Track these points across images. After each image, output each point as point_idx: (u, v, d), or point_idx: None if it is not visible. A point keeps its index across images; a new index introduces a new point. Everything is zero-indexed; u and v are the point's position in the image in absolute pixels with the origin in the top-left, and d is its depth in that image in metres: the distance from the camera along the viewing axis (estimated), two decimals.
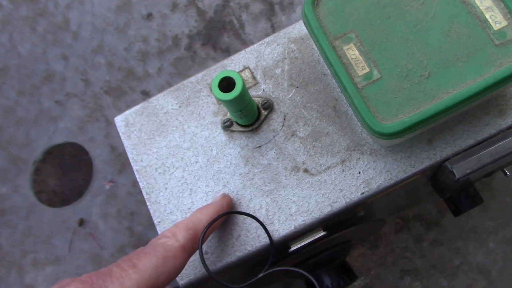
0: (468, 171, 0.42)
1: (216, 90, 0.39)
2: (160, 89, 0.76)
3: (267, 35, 0.76)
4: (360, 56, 0.40)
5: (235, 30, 0.77)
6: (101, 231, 0.72)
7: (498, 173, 0.65)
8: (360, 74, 0.39)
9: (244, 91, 0.40)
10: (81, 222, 0.73)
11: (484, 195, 0.52)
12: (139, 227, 0.71)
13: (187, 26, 0.79)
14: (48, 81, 0.80)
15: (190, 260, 0.43)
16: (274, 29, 0.77)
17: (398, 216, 0.65)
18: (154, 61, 0.78)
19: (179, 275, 0.44)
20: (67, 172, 0.76)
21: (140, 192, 0.72)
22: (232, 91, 0.39)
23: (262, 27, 0.76)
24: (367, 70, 0.39)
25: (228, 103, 0.40)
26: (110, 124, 0.76)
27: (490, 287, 0.61)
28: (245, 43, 0.76)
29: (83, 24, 0.82)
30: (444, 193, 0.48)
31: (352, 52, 0.40)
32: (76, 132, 0.77)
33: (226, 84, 0.40)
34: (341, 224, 0.47)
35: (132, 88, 0.78)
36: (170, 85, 0.76)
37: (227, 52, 0.76)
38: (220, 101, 0.40)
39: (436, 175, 0.47)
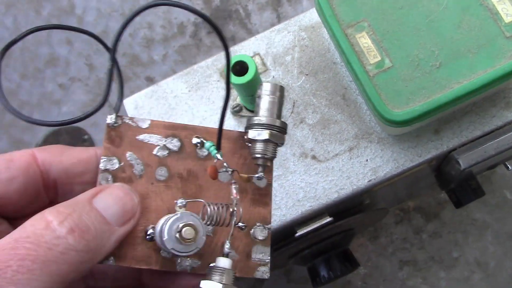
0: (473, 162, 0.43)
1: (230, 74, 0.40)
2: (165, 76, 0.76)
3: (272, 25, 0.76)
4: (372, 45, 0.40)
5: (241, 19, 0.77)
6: None
7: (499, 168, 0.66)
8: (371, 62, 0.40)
9: (257, 76, 0.40)
10: None
11: (484, 189, 0.53)
12: None
13: (193, 14, 0.79)
14: (52, 65, 0.80)
15: None
16: (280, 19, 0.77)
17: (398, 207, 0.66)
18: (159, 48, 0.78)
19: None
20: None
21: None
22: (246, 75, 0.39)
23: (268, 17, 0.76)
24: (379, 58, 0.40)
25: (240, 87, 0.40)
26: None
27: (488, 279, 0.62)
28: (251, 33, 0.76)
29: (88, 9, 0.82)
30: (448, 184, 0.49)
31: (365, 41, 0.40)
32: None
33: (239, 68, 0.40)
34: (347, 211, 0.48)
35: (137, 74, 0.78)
36: (174, 72, 0.76)
37: (233, 41, 0.76)
38: (232, 85, 0.40)
39: (441, 166, 0.47)
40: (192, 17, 0.79)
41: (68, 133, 0.77)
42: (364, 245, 0.65)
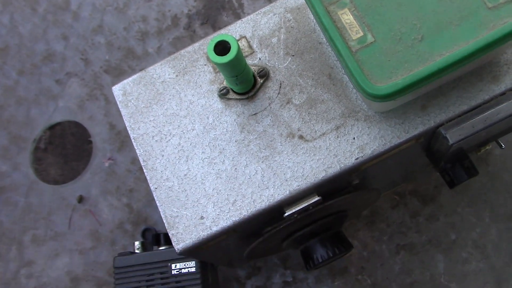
0: (462, 137, 0.43)
1: (212, 53, 0.40)
2: None
3: None
4: (354, 21, 0.40)
5: (234, 9, 0.77)
6: (100, 207, 0.73)
7: (495, 149, 0.65)
8: (354, 38, 0.40)
9: (239, 55, 0.40)
10: (81, 199, 0.74)
11: (481, 171, 0.53)
12: (138, 204, 0.72)
13: (186, 6, 0.79)
14: (48, 60, 0.81)
15: (186, 224, 0.44)
16: None
17: (394, 192, 0.65)
18: (154, 41, 0.79)
19: (175, 240, 0.44)
20: (67, 150, 0.77)
21: (139, 169, 0.73)
22: (227, 54, 0.39)
23: (261, 6, 0.76)
24: (361, 34, 0.40)
25: (223, 66, 0.40)
26: (110, 102, 0.77)
27: (486, 261, 0.61)
28: None
29: (83, 5, 0.82)
30: (438, 162, 0.49)
31: (347, 17, 0.40)
32: (76, 111, 0.77)
33: (222, 48, 0.40)
34: (337, 192, 0.48)
35: (132, 67, 0.78)
36: None
37: None
38: (215, 65, 0.40)
39: (430, 143, 0.47)
40: (186, 9, 0.79)
41: (73, 134, 0.78)
42: (360, 231, 0.65)
